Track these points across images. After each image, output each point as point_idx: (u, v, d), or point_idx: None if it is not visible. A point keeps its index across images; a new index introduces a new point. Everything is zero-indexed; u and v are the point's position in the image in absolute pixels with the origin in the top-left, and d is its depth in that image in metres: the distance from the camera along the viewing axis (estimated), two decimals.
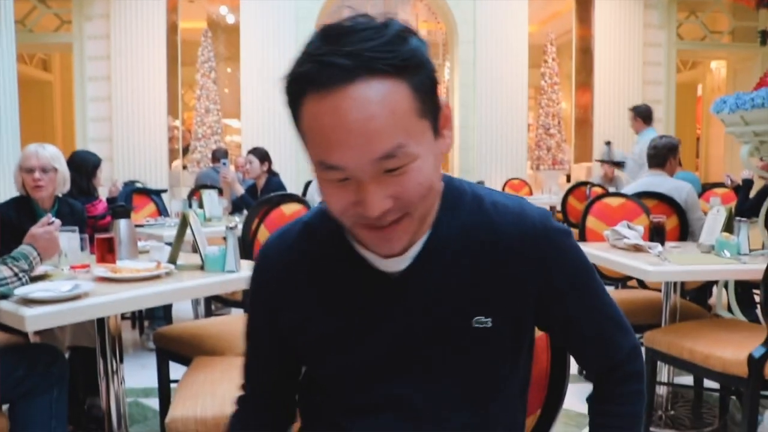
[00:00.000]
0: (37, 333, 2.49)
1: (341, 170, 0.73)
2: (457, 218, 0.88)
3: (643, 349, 2.54)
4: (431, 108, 0.77)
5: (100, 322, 2.10)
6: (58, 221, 2.06)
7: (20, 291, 1.76)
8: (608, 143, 6.68)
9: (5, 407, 1.96)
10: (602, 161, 6.65)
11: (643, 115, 5.61)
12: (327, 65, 0.71)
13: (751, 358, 2.13)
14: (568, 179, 8.98)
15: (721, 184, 5.54)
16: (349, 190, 0.75)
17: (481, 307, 0.86)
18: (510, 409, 0.95)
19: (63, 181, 2.69)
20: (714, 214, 2.78)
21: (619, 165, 6.12)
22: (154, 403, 2.95)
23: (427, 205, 0.81)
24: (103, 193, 4.26)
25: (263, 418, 1.01)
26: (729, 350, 2.22)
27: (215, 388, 1.84)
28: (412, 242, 0.85)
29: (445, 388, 0.89)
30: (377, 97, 0.71)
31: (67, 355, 2.49)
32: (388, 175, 0.74)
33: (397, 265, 0.87)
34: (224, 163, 4.98)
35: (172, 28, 8.17)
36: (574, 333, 0.95)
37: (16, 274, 1.81)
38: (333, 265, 0.90)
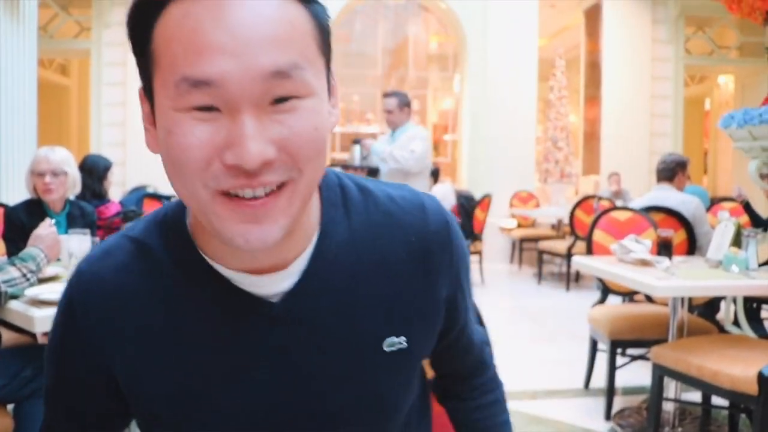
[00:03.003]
0: (46, 334, 2.51)
1: (213, 89, 0.52)
2: (349, 218, 0.69)
3: (649, 365, 2.55)
4: (328, 55, 0.60)
5: None
6: (53, 220, 2.17)
7: (30, 292, 1.79)
8: (357, 142, 4.75)
9: (10, 407, 1.97)
10: (351, 167, 4.85)
11: (407, 105, 4.22)
12: None
13: (761, 375, 2.11)
14: (576, 192, 8.98)
15: (729, 198, 5.53)
16: (217, 128, 0.53)
17: (393, 325, 0.69)
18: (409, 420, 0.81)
19: (73, 183, 2.72)
20: (722, 228, 2.77)
21: (374, 172, 4.75)
22: None
23: (316, 173, 0.59)
24: (115, 195, 4.30)
25: None
26: (738, 367, 2.20)
27: None
28: (295, 251, 0.64)
29: None
30: (273, 2, 0.54)
31: None
32: (275, 111, 0.54)
33: (278, 284, 0.65)
34: None
35: None
36: (460, 334, 0.82)
37: (24, 275, 1.84)
38: (185, 292, 0.65)
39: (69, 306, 0.67)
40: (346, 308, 0.67)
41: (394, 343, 0.69)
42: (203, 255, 0.65)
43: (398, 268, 0.69)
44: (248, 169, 0.53)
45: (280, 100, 0.54)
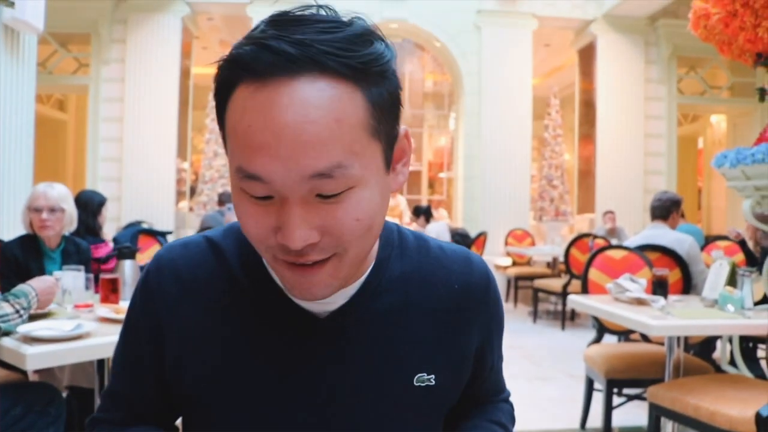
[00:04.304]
0: (37, 371, 2.48)
1: (263, 183, 0.58)
2: (402, 258, 0.76)
3: (646, 404, 2.53)
4: (387, 130, 0.63)
5: (100, 362, 2.09)
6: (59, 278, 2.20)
7: (23, 329, 1.78)
8: None
9: None
10: None
11: None
12: (268, 49, 0.57)
13: (758, 416, 2.09)
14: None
15: (724, 237, 5.55)
16: (270, 211, 0.60)
17: (425, 362, 0.74)
18: None
19: (70, 220, 2.71)
20: (717, 267, 2.78)
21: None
22: None
23: (364, 248, 0.65)
24: (110, 231, 4.27)
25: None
26: (735, 407, 2.18)
27: None
28: (345, 285, 0.70)
29: None
30: (322, 100, 0.57)
31: (64, 395, 2.47)
32: (321, 201, 0.59)
33: (328, 303, 0.71)
34: (229, 208, 5.01)
35: (185, 73, 8.35)
36: (484, 376, 0.85)
37: (17, 311, 1.84)
38: (243, 291, 0.72)
39: (144, 283, 0.76)
40: (386, 337, 0.73)
41: (424, 379, 0.73)
42: (267, 266, 0.72)
43: (439, 309, 0.76)
44: (293, 250, 0.60)
45: (326, 196, 0.59)
